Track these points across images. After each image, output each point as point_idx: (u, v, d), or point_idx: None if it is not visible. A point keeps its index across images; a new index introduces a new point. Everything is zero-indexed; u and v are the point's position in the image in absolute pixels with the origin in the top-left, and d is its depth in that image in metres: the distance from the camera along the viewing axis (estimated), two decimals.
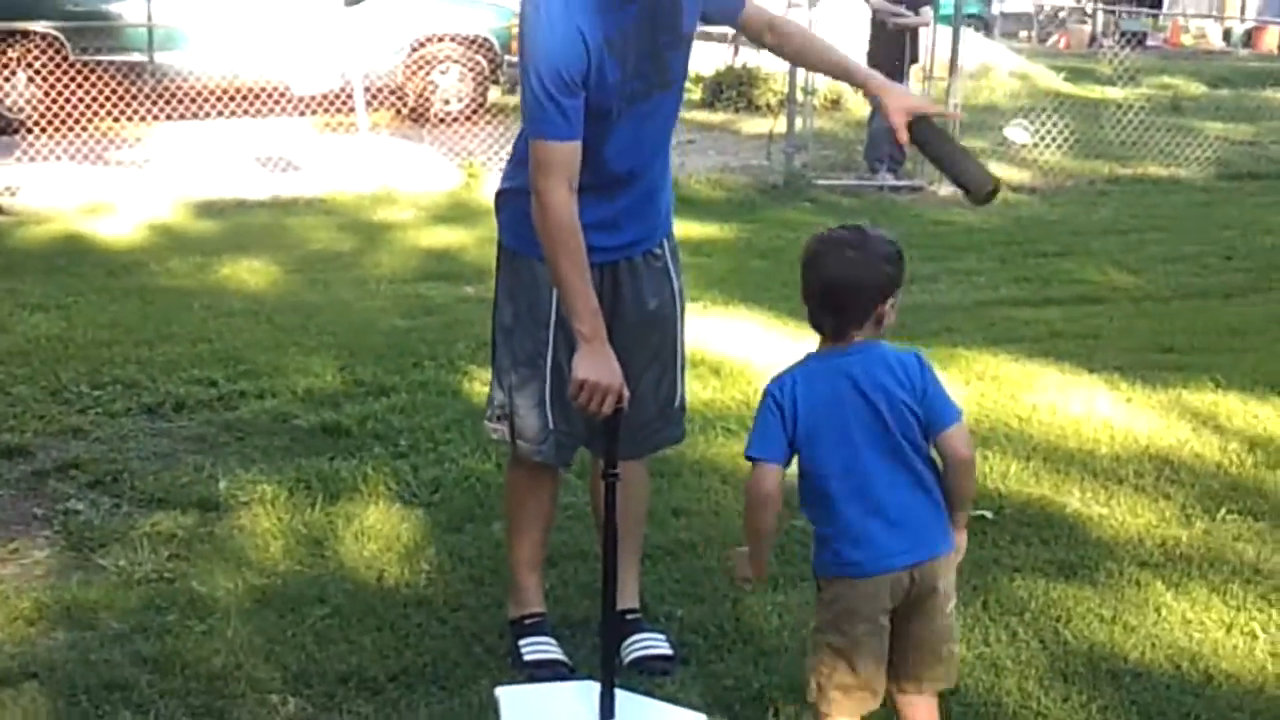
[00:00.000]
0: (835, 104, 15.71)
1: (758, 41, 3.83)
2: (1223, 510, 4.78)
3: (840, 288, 2.94)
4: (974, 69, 17.57)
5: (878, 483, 2.90)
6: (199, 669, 3.68)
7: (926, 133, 3.50)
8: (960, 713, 3.49)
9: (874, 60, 12.35)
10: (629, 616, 3.87)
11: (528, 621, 3.87)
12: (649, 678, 3.68)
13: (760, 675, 3.67)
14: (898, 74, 12.34)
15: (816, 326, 3.02)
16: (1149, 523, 4.70)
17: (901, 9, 12.21)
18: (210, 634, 3.87)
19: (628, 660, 3.78)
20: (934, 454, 2.98)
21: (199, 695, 3.55)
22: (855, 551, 2.90)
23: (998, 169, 12.77)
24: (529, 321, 3.67)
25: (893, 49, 12.28)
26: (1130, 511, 4.79)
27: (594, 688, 3.52)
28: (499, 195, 3.76)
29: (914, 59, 12.61)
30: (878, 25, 12.38)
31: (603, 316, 3.42)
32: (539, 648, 3.79)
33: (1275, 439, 5.50)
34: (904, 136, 3.49)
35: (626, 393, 3.38)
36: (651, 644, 3.83)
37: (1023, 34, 30.61)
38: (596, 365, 3.35)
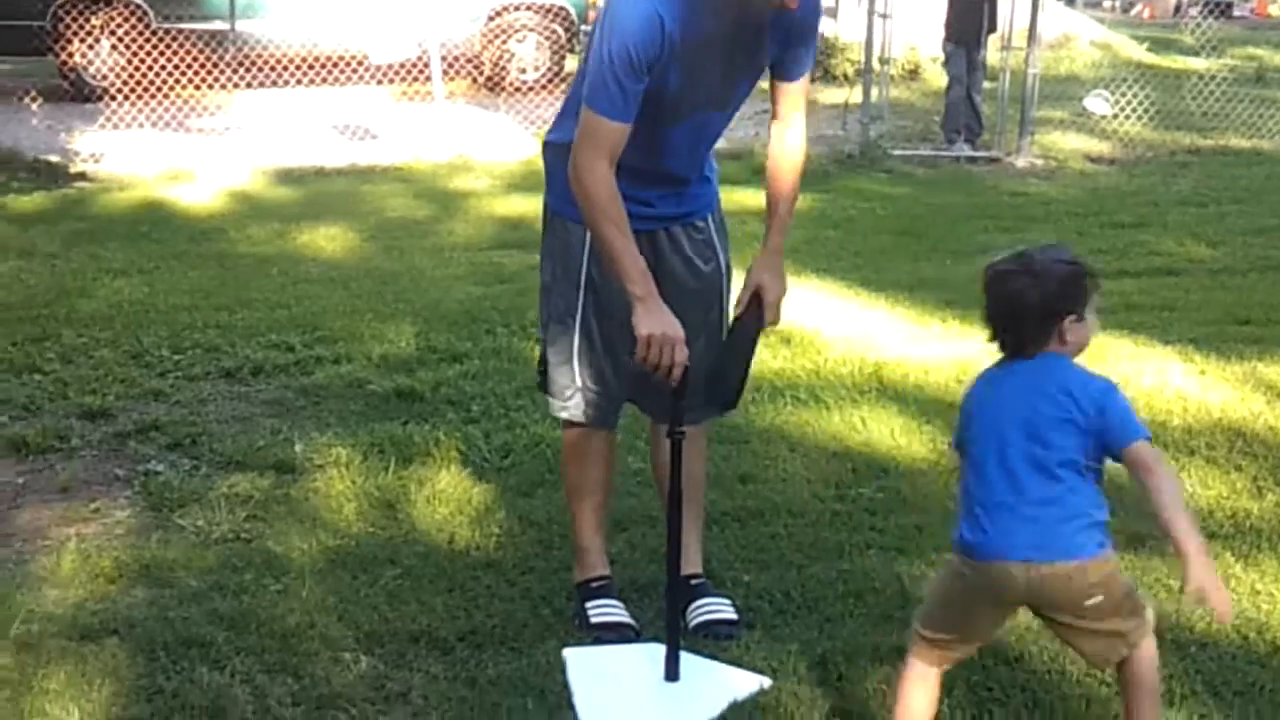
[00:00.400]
0: (913, 74, 15.64)
1: (772, 113, 3.82)
2: None
3: (1010, 311, 3.03)
4: (1054, 38, 17.42)
5: (1011, 481, 2.94)
6: (274, 627, 3.76)
7: (743, 327, 3.66)
8: (1025, 679, 3.51)
9: (952, 28, 12.34)
10: (693, 581, 3.91)
11: (594, 584, 3.92)
12: (713, 641, 3.73)
13: (824, 640, 3.70)
14: (975, 42, 12.31)
15: (999, 345, 3.09)
16: (1220, 494, 4.68)
17: None
18: (285, 593, 3.95)
19: (692, 625, 3.82)
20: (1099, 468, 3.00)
21: (274, 652, 3.63)
22: (973, 535, 2.95)
23: (1076, 140, 12.75)
24: (563, 281, 3.74)
25: (971, 16, 12.24)
26: (1201, 483, 4.77)
27: (660, 650, 3.58)
28: (545, 147, 3.81)
29: (992, 28, 12.54)
30: None
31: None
32: (605, 610, 3.84)
33: None
34: (740, 304, 3.70)
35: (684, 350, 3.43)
36: (715, 609, 3.86)
37: (1106, 3, 30.26)
38: (654, 320, 3.40)
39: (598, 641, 3.74)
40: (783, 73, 3.73)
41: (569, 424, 3.89)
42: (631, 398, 3.88)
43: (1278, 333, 6.54)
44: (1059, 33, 18.35)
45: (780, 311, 3.74)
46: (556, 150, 3.66)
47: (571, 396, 3.81)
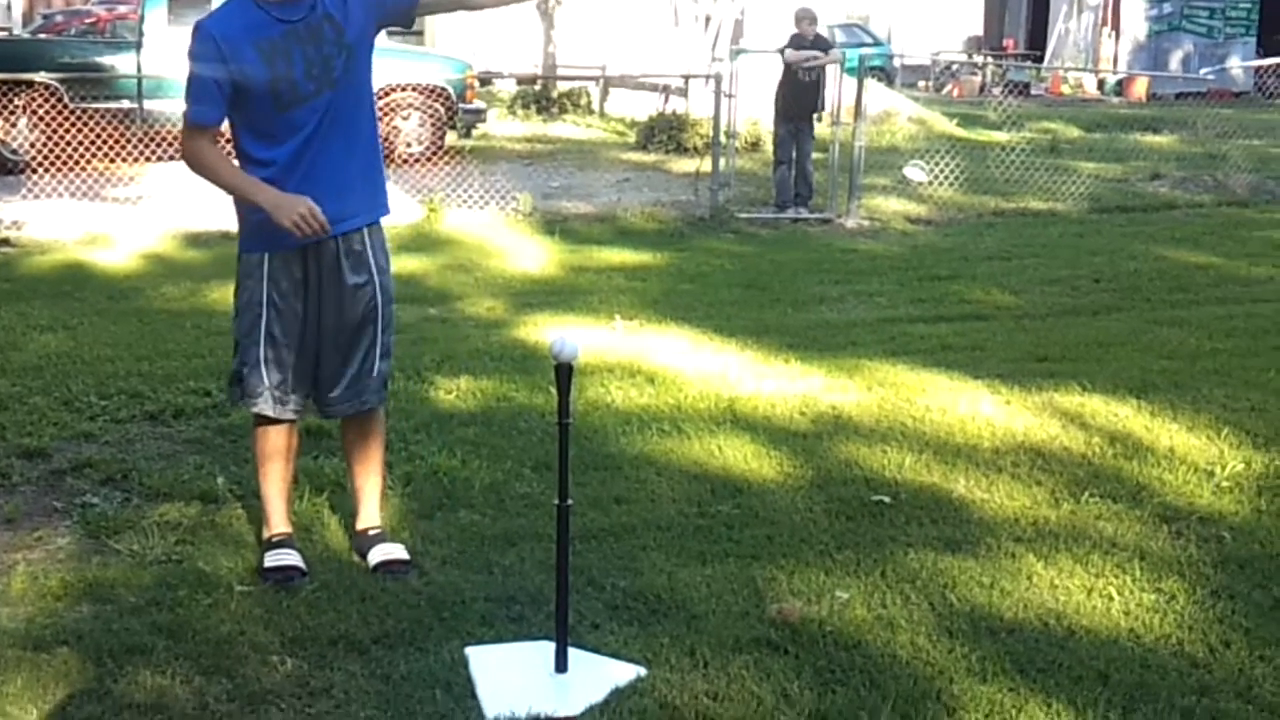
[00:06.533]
0: (754, 146, 15.99)
1: (470, 4, 4.27)
2: (1086, 494, 4.99)
3: None
4: (877, 115, 17.89)
5: None
6: (208, 635, 3.82)
7: None
8: (862, 663, 3.68)
9: (784, 106, 12.67)
10: (371, 532, 4.39)
11: (275, 539, 4.31)
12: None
13: (691, 635, 3.84)
14: (808, 120, 12.66)
15: None
16: (1023, 505, 4.90)
17: (813, 53, 12.49)
18: (216, 605, 4.02)
19: (373, 565, 4.26)
20: None
21: (209, 657, 3.70)
22: None
23: (897, 204, 13.13)
24: (250, 302, 4.11)
25: (804, 98, 12.58)
26: (1007, 496, 4.99)
27: (550, 646, 3.70)
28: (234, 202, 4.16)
29: (822, 106, 12.88)
30: (789, 75, 12.63)
31: (312, 291, 4.07)
32: (279, 555, 4.24)
33: (1132, 434, 5.72)
34: None
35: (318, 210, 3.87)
36: (392, 550, 4.31)
37: (921, 84, 31.06)
38: (284, 209, 3.86)
39: (267, 580, 4.14)
40: (405, 10, 4.12)
41: (259, 417, 4.23)
42: (309, 395, 4.27)
43: (1070, 368, 6.82)
44: (881, 109, 18.84)
45: None
46: (237, 202, 4.08)
47: (260, 394, 4.15)
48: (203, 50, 3.89)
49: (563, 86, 22.40)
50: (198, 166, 3.99)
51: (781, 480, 5.17)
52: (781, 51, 12.70)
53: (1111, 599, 4.13)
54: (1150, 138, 19.50)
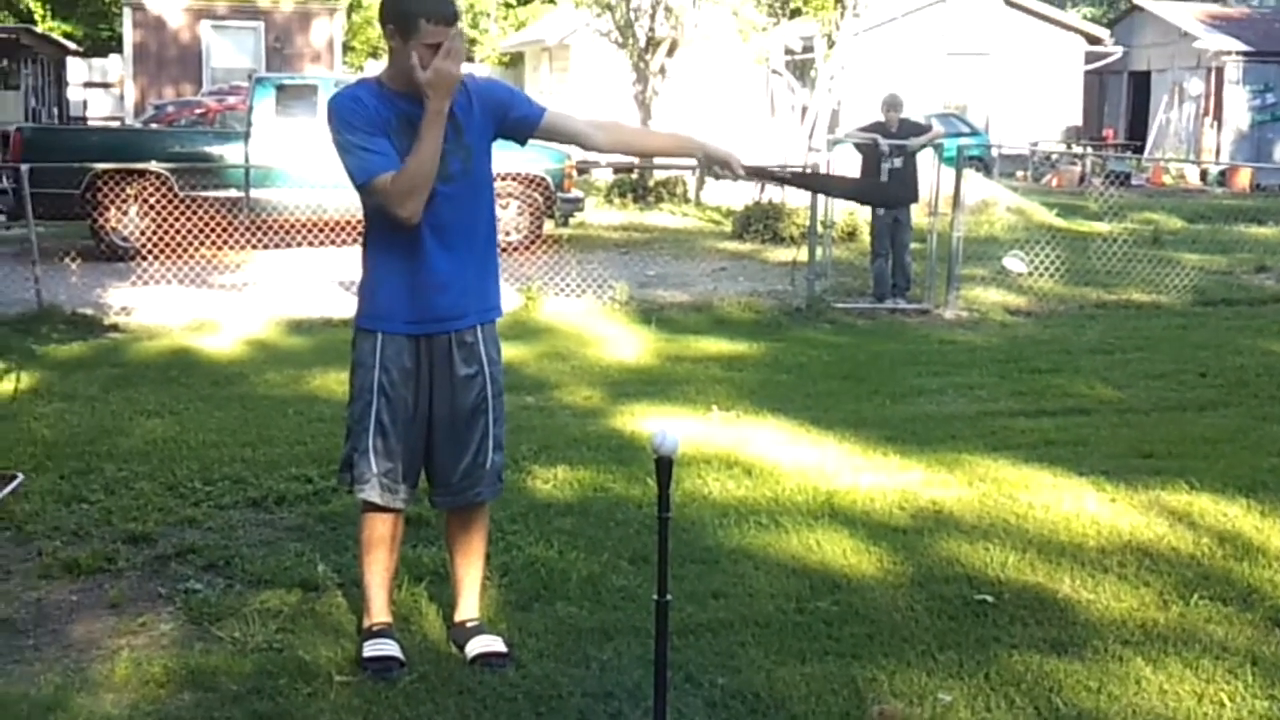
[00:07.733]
0: (851, 236, 15.98)
1: (585, 144, 4.28)
2: (1195, 596, 4.88)
3: None
4: (975, 205, 17.82)
5: None
6: None
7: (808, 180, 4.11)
8: None
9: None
10: (469, 624, 4.39)
11: (375, 628, 4.31)
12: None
13: None
14: (905, 210, 12.59)
15: None
16: (1130, 606, 4.81)
17: (872, 136, 12.44)
18: (315, 695, 4.04)
19: (471, 657, 4.27)
20: None
21: None
22: None
23: (997, 295, 13.03)
24: (362, 387, 4.16)
25: (899, 187, 12.46)
26: (1114, 597, 4.90)
27: None
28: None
29: (914, 198, 12.78)
30: (869, 166, 12.44)
31: (423, 382, 4.10)
32: (378, 645, 4.25)
33: (1242, 534, 5.59)
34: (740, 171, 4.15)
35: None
36: (490, 643, 4.32)
37: (1019, 173, 30.86)
38: (433, 80, 3.85)
39: (366, 670, 4.16)
40: (526, 128, 4.17)
41: (367, 504, 4.24)
42: (417, 485, 4.29)
43: (1177, 464, 6.69)
44: (979, 199, 18.77)
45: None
46: (363, 282, 4.25)
47: (369, 481, 4.18)
48: (354, 111, 3.94)
49: (659, 175, 22.58)
50: (408, 193, 3.90)
51: (881, 577, 5.12)
52: (853, 141, 12.71)
53: (1223, 705, 4.03)
54: (1255, 229, 19.19)
